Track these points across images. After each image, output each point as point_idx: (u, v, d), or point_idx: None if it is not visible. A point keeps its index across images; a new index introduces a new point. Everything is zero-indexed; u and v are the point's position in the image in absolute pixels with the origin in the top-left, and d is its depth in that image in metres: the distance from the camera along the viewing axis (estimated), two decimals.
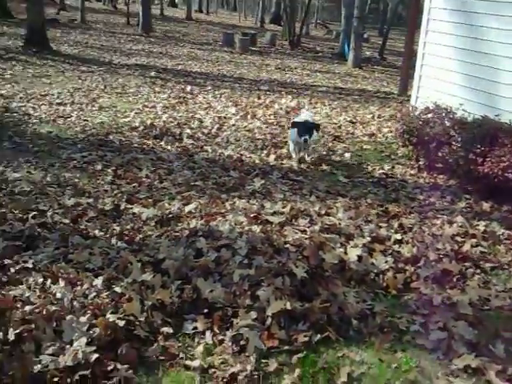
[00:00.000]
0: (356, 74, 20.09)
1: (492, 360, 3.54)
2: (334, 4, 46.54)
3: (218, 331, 3.63)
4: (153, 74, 15.18)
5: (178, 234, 4.90)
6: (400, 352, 3.64)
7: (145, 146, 8.21)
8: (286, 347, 3.55)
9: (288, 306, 3.74)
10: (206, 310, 3.77)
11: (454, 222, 5.88)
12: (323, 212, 5.79)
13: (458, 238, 5.49)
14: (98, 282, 3.95)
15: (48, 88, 12.06)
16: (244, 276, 4.05)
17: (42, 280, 3.97)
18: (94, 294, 3.84)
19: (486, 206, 6.56)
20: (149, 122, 9.59)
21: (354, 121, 11.18)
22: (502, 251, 5.35)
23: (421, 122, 7.89)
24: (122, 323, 3.53)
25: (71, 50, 18.74)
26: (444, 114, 7.88)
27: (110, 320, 3.55)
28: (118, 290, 3.87)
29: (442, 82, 9.17)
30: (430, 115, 7.94)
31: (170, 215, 5.44)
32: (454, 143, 7.55)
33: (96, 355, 3.27)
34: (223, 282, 4.08)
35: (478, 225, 5.88)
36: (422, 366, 3.50)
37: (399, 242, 5.20)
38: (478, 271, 4.86)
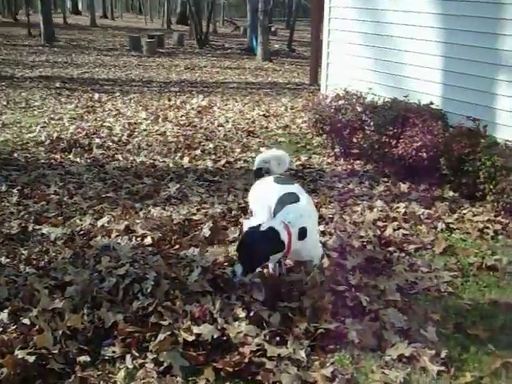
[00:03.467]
0: (266, 68, 20.06)
1: (425, 345, 3.46)
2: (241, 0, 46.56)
3: (137, 354, 3.37)
4: (58, 84, 14.54)
5: (88, 252, 4.59)
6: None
7: (52, 161, 7.78)
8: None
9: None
10: (121, 337, 3.49)
11: (374, 207, 5.85)
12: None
13: (380, 223, 5.45)
14: (4, 315, 3.61)
15: None
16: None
17: None
18: (0, 329, 3.51)
19: (403, 187, 6.58)
20: (55, 135, 9.10)
21: (267, 114, 11.09)
22: (424, 231, 5.35)
23: (332, 110, 7.84)
24: (32, 358, 3.21)
25: None
26: (355, 100, 7.87)
27: (19, 357, 3.22)
28: (26, 321, 3.54)
29: (350, 68, 9.19)
30: (340, 102, 7.91)
31: (81, 232, 5.13)
32: (367, 128, 7.56)
33: None
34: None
35: (398, 207, 5.87)
36: (356, 362, 3.37)
37: (322, 233, 5.08)
38: (403, 254, 4.82)
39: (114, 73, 17.59)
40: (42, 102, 12.32)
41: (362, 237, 5.04)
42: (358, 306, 3.84)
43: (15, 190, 6.37)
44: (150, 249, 4.56)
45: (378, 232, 5.23)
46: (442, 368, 3.27)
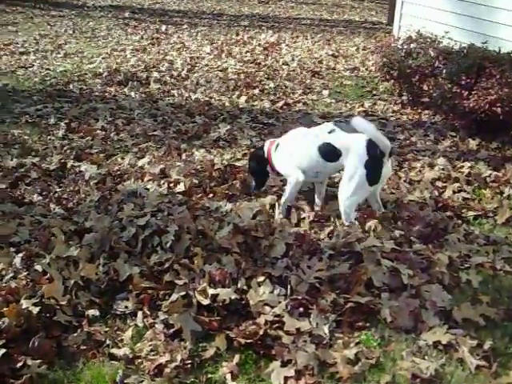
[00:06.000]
0: (344, 4, 19.08)
1: (466, 332, 3.04)
2: None
3: (148, 313, 3.13)
4: (127, 14, 14.32)
5: (114, 197, 4.35)
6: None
7: (106, 94, 7.59)
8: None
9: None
10: (135, 291, 3.25)
11: (436, 165, 5.32)
12: None
13: (439, 183, 4.95)
14: (17, 260, 3.43)
15: (13, 36, 11.26)
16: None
17: None
18: (12, 274, 3.33)
19: (472, 143, 5.98)
20: (114, 66, 8.91)
21: (337, 54, 10.49)
22: (488, 196, 4.81)
23: (403, 53, 7.21)
24: (36, 309, 3.03)
25: None
26: (428, 44, 7.20)
27: (24, 306, 3.04)
28: (38, 268, 3.35)
29: (425, 8, 8.45)
30: (412, 45, 7.28)
31: (118, 172, 4.89)
32: (439, 75, 6.91)
33: (3, 350, 2.79)
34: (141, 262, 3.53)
35: (462, 166, 5.32)
36: (385, 345, 3.01)
37: None
38: (460, 222, 4.32)
39: (185, 4, 17.16)
40: (108, 32, 12.13)
41: (415, 198, 4.57)
42: (398, 278, 3.43)
43: (63, 124, 6.22)
44: (180, 197, 4.26)
45: (436, 193, 4.74)
46: (483, 363, 2.84)
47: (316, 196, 4.50)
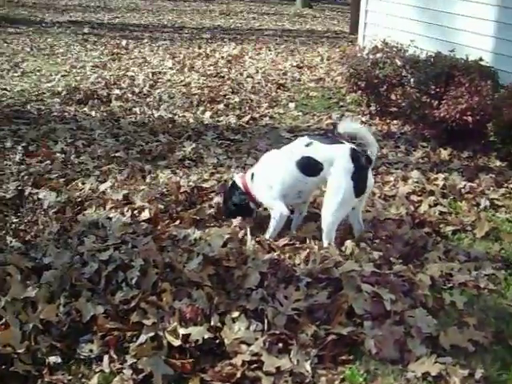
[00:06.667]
0: (305, 14, 19.03)
1: (456, 361, 2.87)
2: None
3: (115, 357, 2.87)
4: (86, 30, 13.97)
5: (74, 228, 4.05)
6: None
7: (66, 114, 7.28)
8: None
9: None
10: (100, 333, 2.99)
11: (410, 178, 5.18)
12: None
13: (415, 197, 4.81)
14: None
15: None
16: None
17: None
18: None
19: (444, 153, 5.88)
20: (74, 84, 8.61)
21: (301, 65, 10.36)
22: (464, 209, 4.69)
23: (369, 64, 7.09)
24: None
25: (0, 10, 17.29)
26: (394, 53, 7.10)
27: None
28: None
29: (390, 16, 8.37)
30: (378, 55, 7.16)
31: (78, 199, 4.62)
32: (406, 85, 6.80)
33: None
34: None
35: (436, 178, 5.21)
36: (372, 379, 2.81)
37: None
38: (439, 238, 4.17)
39: (146, 18, 16.88)
40: (67, 48, 11.79)
41: (391, 215, 4.41)
42: (380, 305, 3.23)
43: (20, 147, 5.91)
44: (145, 226, 4.00)
45: (412, 208, 4.59)
46: None
47: (294, 220, 4.25)
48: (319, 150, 3.84)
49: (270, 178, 4.01)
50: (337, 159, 3.75)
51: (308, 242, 3.94)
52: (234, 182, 4.25)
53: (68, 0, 20.40)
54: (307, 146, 3.89)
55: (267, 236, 4.01)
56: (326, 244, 3.81)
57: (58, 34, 13.40)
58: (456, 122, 5.73)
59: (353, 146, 3.84)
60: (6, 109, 7.43)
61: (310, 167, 3.85)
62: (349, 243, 3.84)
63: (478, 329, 3.14)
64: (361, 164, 3.73)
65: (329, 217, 3.78)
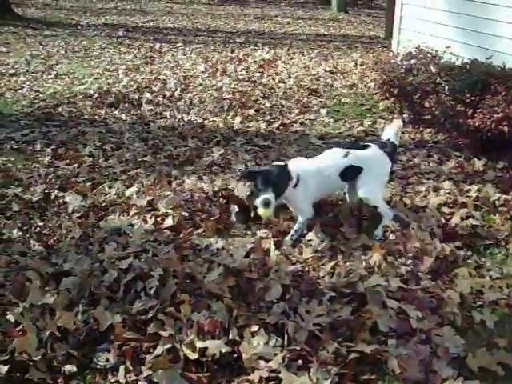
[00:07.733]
0: (340, 19, 18.86)
1: None
2: None
3: (131, 367, 2.81)
4: (120, 33, 14.08)
5: (96, 235, 4.02)
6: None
7: (96, 117, 7.32)
8: None
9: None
10: (117, 343, 2.93)
11: (441, 189, 5.02)
12: None
13: (446, 209, 4.65)
14: None
15: (4, 57, 11.02)
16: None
17: None
18: None
19: (478, 164, 5.68)
20: (105, 87, 8.65)
21: (334, 71, 10.21)
22: (498, 222, 4.50)
23: (403, 70, 6.94)
24: (4, 369, 2.72)
25: (38, 13, 17.57)
26: (429, 59, 6.93)
27: None
28: (10, 318, 3.04)
29: (425, 22, 8.20)
30: (412, 61, 7.00)
31: (104, 204, 4.59)
32: (441, 92, 6.63)
33: None
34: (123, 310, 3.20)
35: (469, 190, 5.02)
36: None
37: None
38: (470, 253, 4.02)
39: (180, 21, 16.96)
40: (101, 51, 11.90)
41: (422, 227, 4.26)
42: (406, 322, 3.12)
43: (49, 150, 5.94)
44: (167, 233, 3.94)
45: (443, 221, 4.44)
46: None
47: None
48: (359, 157, 4.20)
49: (310, 188, 4.13)
50: (375, 161, 4.25)
51: (333, 254, 3.83)
52: (286, 164, 4.12)
53: (104, 3, 20.68)
54: (345, 156, 4.20)
55: (289, 239, 4.06)
56: (391, 214, 4.24)
57: (93, 37, 13.58)
58: (491, 132, 5.55)
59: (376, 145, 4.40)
60: (38, 111, 7.52)
61: (351, 174, 4.23)
62: (376, 256, 3.72)
63: (509, 351, 3.00)
64: (393, 157, 4.46)
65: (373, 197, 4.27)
